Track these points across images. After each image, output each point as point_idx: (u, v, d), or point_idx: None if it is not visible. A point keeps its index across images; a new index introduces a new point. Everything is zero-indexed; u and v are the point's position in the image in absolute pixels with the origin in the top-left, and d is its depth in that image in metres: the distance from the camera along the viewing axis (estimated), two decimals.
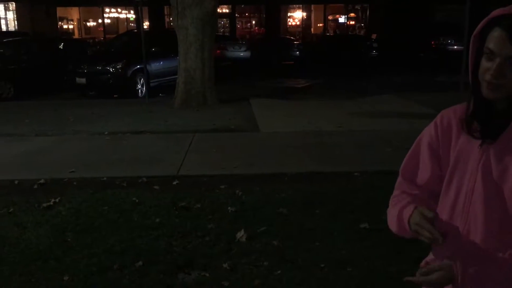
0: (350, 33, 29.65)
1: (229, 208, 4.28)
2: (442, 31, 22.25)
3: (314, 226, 3.91)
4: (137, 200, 4.50)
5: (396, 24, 25.06)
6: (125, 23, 30.30)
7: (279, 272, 3.20)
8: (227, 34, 27.61)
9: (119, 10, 30.15)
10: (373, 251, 3.42)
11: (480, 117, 1.29)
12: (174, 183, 5.05)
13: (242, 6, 30.63)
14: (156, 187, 4.91)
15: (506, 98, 1.22)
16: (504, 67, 1.17)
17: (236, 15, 30.69)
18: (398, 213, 1.37)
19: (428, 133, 1.42)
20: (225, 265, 3.29)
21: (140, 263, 3.33)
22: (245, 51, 21.04)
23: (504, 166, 1.24)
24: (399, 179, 1.51)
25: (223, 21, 30.05)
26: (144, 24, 16.47)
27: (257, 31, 31.02)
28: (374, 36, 25.27)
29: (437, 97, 9.60)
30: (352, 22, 31.74)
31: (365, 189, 4.73)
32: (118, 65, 11.58)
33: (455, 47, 21.16)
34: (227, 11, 29.81)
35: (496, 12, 1.21)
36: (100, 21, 30.24)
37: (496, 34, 1.18)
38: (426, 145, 1.41)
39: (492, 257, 1.23)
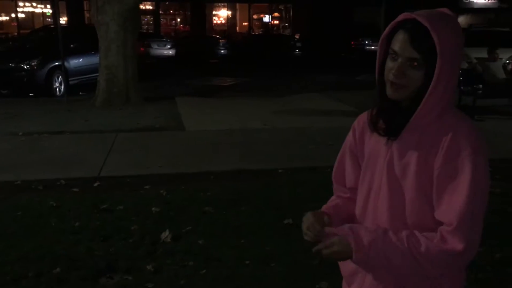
0: (274, 32, 30.16)
1: (153, 208, 4.19)
2: (361, 32, 23.30)
3: (240, 224, 3.93)
4: (55, 204, 4.28)
5: (318, 24, 25.83)
6: (41, 18, 28.71)
7: (204, 271, 3.19)
8: (151, 31, 27.04)
9: (34, 4, 28.49)
10: (297, 246, 3.48)
11: (384, 115, 1.35)
12: (95, 184, 4.86)
13: (167, 3, 30.16)
14: (75, 189, 4.70)
15: (410, 98, 1.27)
16: (404, 67, 1.23)
17: (160, 12, 30.14)
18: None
19: (348, 138, 1.51)
20: (149, 267, 3.22)
21: (58, 269, 3.17)
22: (170, 48, 20.74)
23: (405, 163, 1.30)
24: (333, 184, 1.57)
25: (147, 18, 29.40)
26: (61, 19, 15.74)
27: (182, 28, 30.67)
28: (297, 35, 25.89)
29: (357, 96, 10.02)
30: (276, 22, 32.28)
31: (289, 185, 4.83)
32: (33, 62, 10.94)
33: (373, 47, 22.26)
34: (150, 7, 29.18)
35: (401, 17, 1.27)
36: (13, 15, 28.41)
37: (400, 36, 1.24)
38: (347, 149, 1.50)
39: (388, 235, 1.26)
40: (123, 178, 5.08)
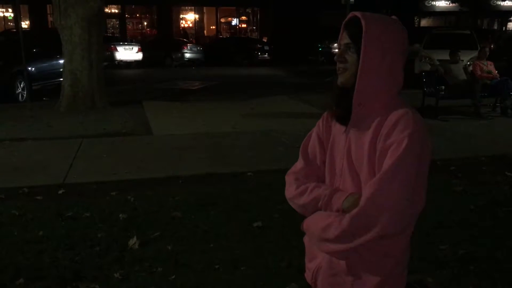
0: (242, 35, 30.18)
1: (120, 215, 4.12)
2: (327, 35, 23.56)
3: (209, 228, 3.91)
4: (17, 213, 4.15)
5: (285, 28, 26.01)
6: (3, 22, 27.90)
7: (173, 277, 3.15)
8: (117, 35, 26.65)
9: None
10: (266, 248, 3.50)
11: (338, 103, 1.50)
12: (60, 192, 4.74)
13: (133, 6, 29.76)
14: (39, 197, 4.57)
15: (353, 83, 1.42)
16: (344, 52, 1.45)
17: (126, 15, 29.72)
18: (314, 200, 1.51)
19: (317, 123, 1.66)
20: (116, 275, 3.16)
21: (22, 280, 3.08)
22: (137, 52, 20.49)
23: (359, 149, 1.43)
24: (300, 160, 1.65)
25: (113, 22, 28.94)
26: (24, 23, 15.33)
27: (149, 32, 30.32)
28: (265, 38, 26.01)
29: (325, 97, 10.11)
30: (244, 25, 32.32)
31: (258, 188, 4.83)
32: None
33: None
34: (116, 11, 28.75)
35: (349, 16, 1.48)
36: None
37: (343, 31, 1.48)
38: (315, 134, 1.65)
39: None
40: (89, 184, 4.98)
